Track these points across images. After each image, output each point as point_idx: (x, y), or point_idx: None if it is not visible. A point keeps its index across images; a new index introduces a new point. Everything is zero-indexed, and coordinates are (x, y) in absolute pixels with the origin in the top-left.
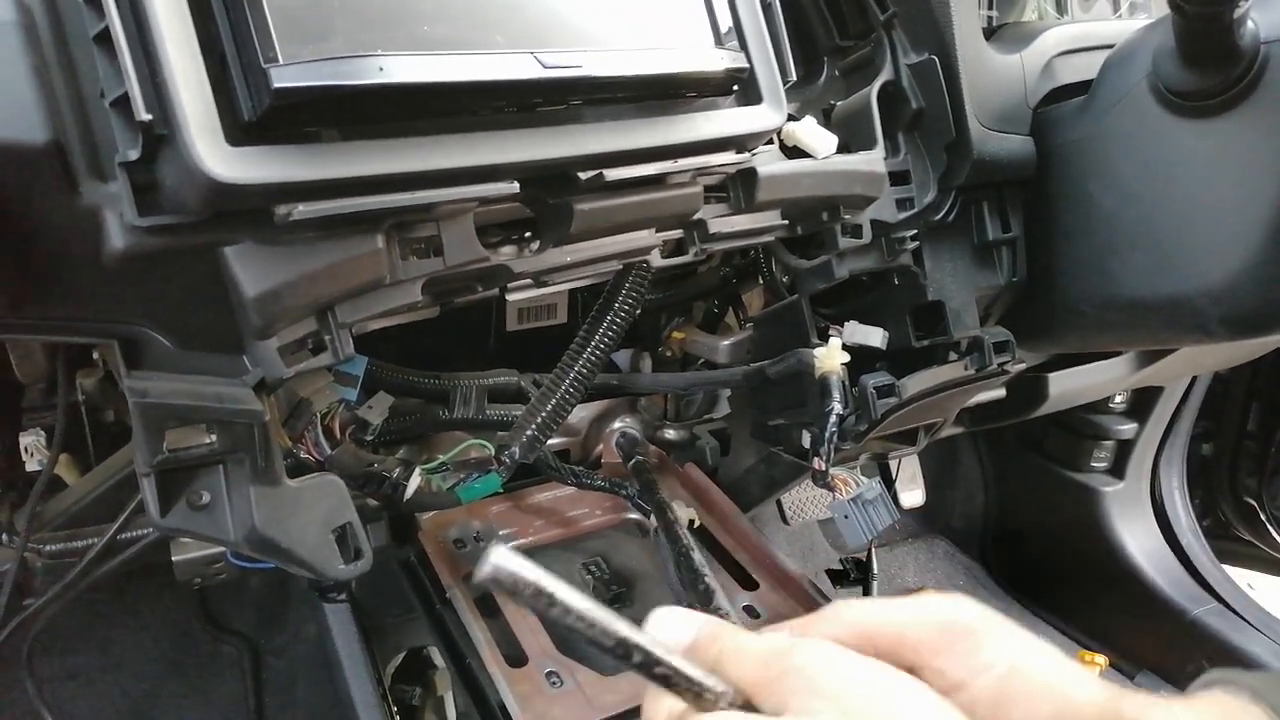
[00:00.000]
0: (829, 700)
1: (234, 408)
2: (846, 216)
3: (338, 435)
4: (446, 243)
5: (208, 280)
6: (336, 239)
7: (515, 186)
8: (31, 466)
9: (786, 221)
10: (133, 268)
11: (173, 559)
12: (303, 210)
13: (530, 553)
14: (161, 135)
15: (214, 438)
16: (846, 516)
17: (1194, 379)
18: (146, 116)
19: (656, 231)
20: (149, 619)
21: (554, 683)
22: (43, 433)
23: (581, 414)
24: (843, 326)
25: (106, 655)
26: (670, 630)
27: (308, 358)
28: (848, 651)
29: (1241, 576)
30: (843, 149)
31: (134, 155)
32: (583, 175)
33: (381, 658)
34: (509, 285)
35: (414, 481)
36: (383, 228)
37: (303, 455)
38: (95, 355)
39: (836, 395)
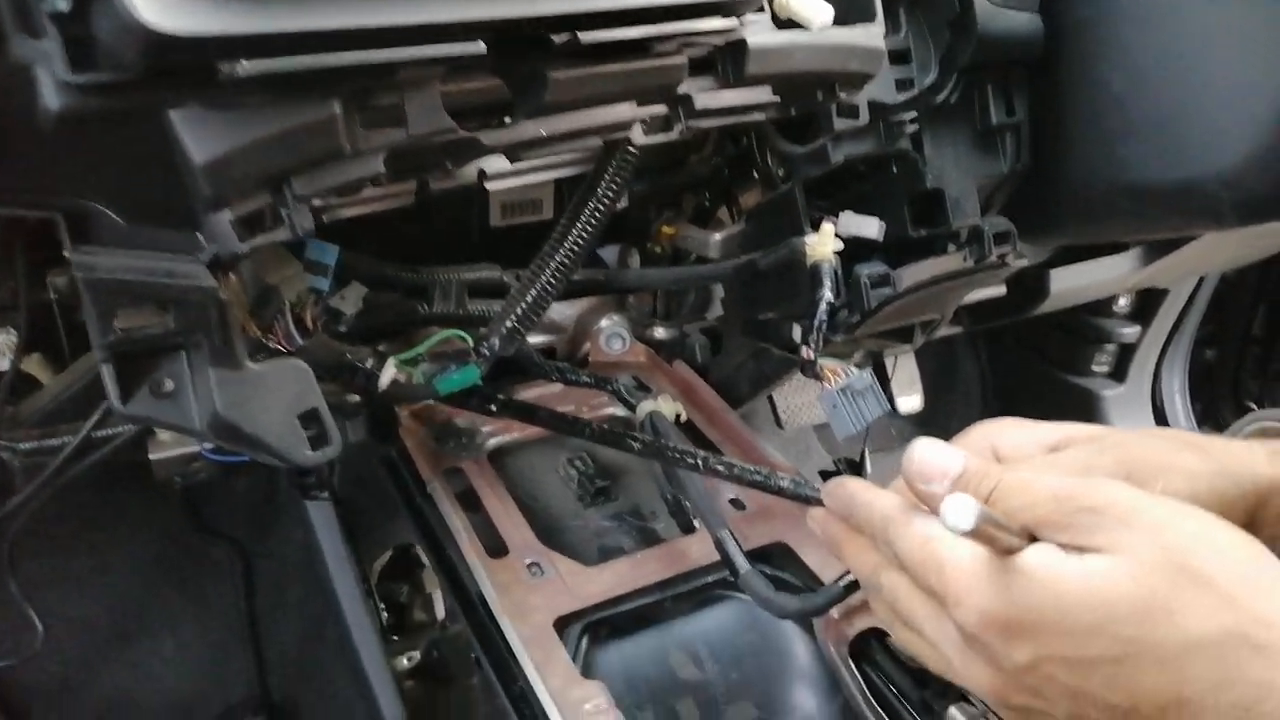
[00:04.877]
0: (1145, 534)
1: (186, 284)
2: (842, 95)
3: (310, 326)
4: (410, 112)
5: (155, 149)
6: (289, 104)
7: (481, 46)
8: (3, 365)
9: (778, 98)
10: (72, 133)
11: (150, 457)
12: (248, 67)
13: (515, 449)
14: None
15: (170, 318)
16: (835, 406)
17: (1200, 282)
18: None
19: (638, 105)
20: (138, 524)
21: (534, 572)
22: (14, 331)
23: (567, 311)
24: (837, 217)
25: (96, 559)
26: (938, 461)
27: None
28: (1144, 493)
29: None
30: (839, 21)
31: (64, 6)
32: (556, 38)
33: (369, 556)
34: (489, 174)
35: (388, 371)
36: (339, 93)
37: (273, 346)
38: (66, 254)
39: (828, 283)
